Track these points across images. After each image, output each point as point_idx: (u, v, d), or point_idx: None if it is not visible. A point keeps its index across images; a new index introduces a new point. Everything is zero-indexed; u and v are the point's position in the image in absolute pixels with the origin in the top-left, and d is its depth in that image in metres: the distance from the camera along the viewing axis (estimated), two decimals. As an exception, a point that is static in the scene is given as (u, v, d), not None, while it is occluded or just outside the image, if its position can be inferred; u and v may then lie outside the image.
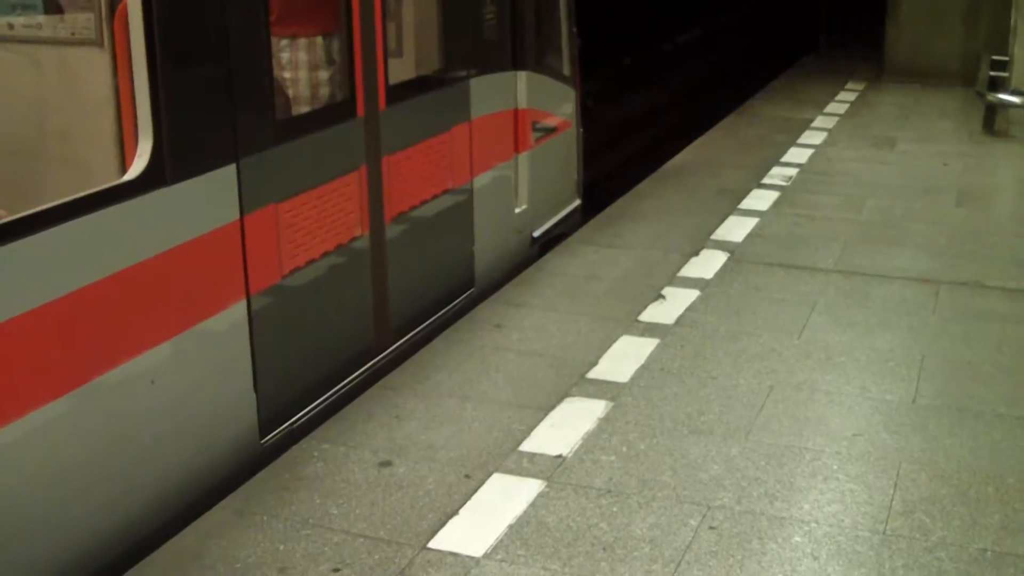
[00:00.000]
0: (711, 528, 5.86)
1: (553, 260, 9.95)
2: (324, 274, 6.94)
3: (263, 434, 6.50)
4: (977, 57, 17.58)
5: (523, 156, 9.67)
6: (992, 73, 16.23)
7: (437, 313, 8.38)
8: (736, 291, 9.21)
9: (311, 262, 6.78)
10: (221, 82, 6.00)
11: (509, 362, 7.81)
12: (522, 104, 9.59)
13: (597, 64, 17.54)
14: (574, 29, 11.02)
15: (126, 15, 5.49)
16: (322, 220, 6.84)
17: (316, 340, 6.97)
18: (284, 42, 7.26)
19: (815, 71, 20.57)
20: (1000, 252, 10.37)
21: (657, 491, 6.20)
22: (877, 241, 10.59)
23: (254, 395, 6.39)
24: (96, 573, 5.41)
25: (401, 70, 7.96)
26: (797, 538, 5.80)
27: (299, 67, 7.33)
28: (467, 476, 6.34)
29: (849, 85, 18.85)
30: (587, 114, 11.82)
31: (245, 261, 6.20)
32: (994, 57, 16.61)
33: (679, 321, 8.54)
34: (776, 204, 11.77)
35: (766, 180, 12.71)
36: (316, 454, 6.57)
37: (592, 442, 6.72)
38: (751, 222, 11.08)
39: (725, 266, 9.79)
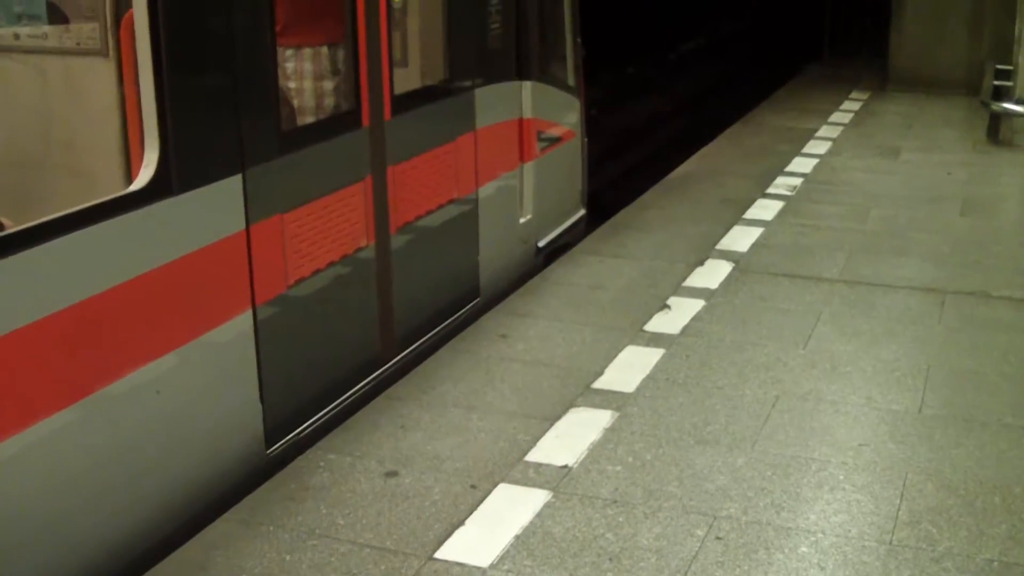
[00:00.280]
0: (717, 538, 5.85)
1: (558, 270, 9.95)
2: (330, 284, 6.94)
3: (269, 444, 6.50)
4: (981, 66, 17.57)
5: (528, 166, 9.67)
6: (996, 82, 16.23)
7: (442, 323, 8.37)
8: (741, 301, 9.21)
9: (317, 272, 6.78)
10: (227, 92, 6.00)
11: (514, 372, 7.81)
12: (527, 114, 9.59)
13: (601, 73, 17.55)
14: (578, 39, 11.02)
15: (132, 25, 5.49)
16: (328, 230, 6.84)
17: (322, 350, 6.96)
18: (289, 52, 7.26)
19: (819, 80, 20.57)
20: (1005, 261, 10.35)
21: (663, 501, 6.19)
22: (882, 251, 10.59)
23: (260, 405, 6.39)
24: (102, 584, 5.42)
25: (406, 80, 7.97)
26: (803, 548, 5.79)
27: (304, 77, 7.34)
28: (473, 486, 6.33)
29: (853, 94, 18.84)
30: (591, 124, 11.82)
31: (251, 271, 6.19)
32: (998, 66, 16.60)
33: (684, 331, 8.53)
34: (781, 214, 11.76)
35: (771, 190, 12.70)
36: (322, 464, 6.56)
37: (598, 452, 6.72)
38: (756, 232, 11.07)
39: (730, 276, 9.78)
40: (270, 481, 6.39)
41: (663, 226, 11.28)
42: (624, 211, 11.88)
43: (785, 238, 10.95)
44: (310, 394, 6.88)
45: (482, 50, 8.90)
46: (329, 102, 7.40)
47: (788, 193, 12.57)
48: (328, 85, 7.38)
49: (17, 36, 6.40)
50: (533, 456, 6.66)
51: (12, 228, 5.00)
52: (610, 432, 6.96)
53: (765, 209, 11.90)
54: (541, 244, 10.15)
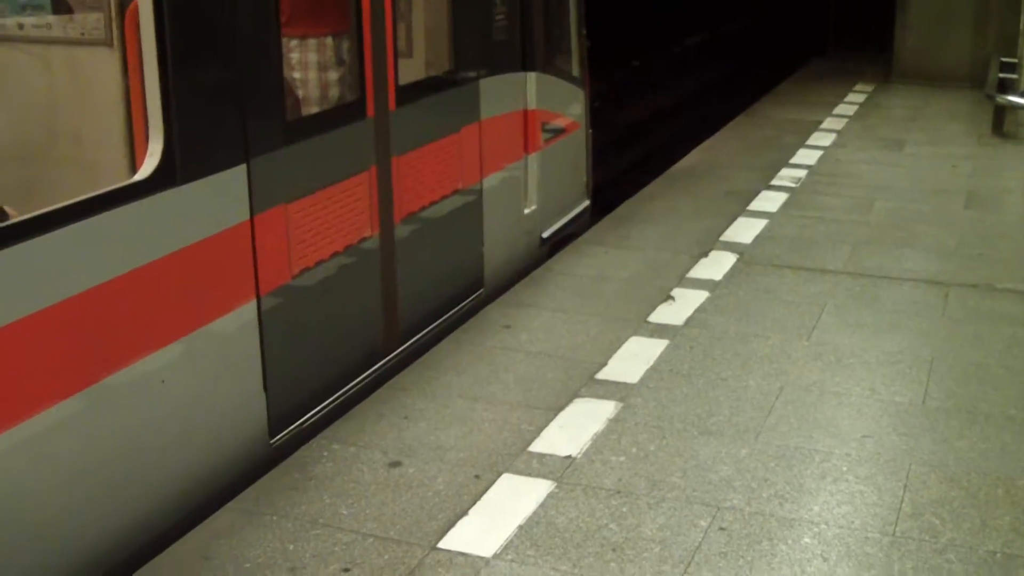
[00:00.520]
0: (721, 529, 5.86)
1: (562, 261, 9.95)
2: (334, 274, 6.94)
3: (273, 434, 6.51)
4: (986, 59, 17.58)
5: (533, 157, 9.67)
6: (1001, 75, 16.23)
7: (446, 314, 8.38)
8: (745, 292, 9.21)
9: (321, 262, 6.79)
10: (231, 82, 6.00)
11: (518, 363, 7.81)
12: (532, 105, 9.59)
13: (606, 65, 17.53)
14: (583, 30, 11.02)
15: (136, 15, 5.49)
16: (332, 221, 6.84)
17: (326, 340, 6.97)
18: (294, 42, 7.26)
19: (824, 73, 20.56)
20: (1009, 254, 10.35)
21: (667, 492, 6.20)
22: (886, 243, 10.58)
23: (264, 395, 6.39)
24: (106, 573, 5.42)
25: (411, 71, 7.97)
26: (807, 539, 5.80)
27: (309, 67, 7.34)
28: (477, 477, 6.34)
29: (858, 87, 18.84)
30: (596, 115, 11.82)
31: (255, 261, 6.20)
32: (1003, 59, 16.61)
33: (688, 322, 8.54)
34: (785, 206, 11.76)
35: (775, 182, 12.71)
36: (326, 454, 6.57)
37: (601, 443, 6.72)
38: (760, 224, 11.07)
39: (734, 268, 9.78)
40: (274, 471, 6.39)
41: (667, 217, 11.28)
42: (628, 202, 11.88)
43: (789, 230, 10.94)
44: (314, 384, 6.88)
45: (487, 41, 8.89)
46: (334, 92, 7.40)
47: (792, 185, 12.57)
48: (333, 75, 7.38)
49: (21, 26, 6.40)
50: (537, 446, 6.67)
51: (17, 217, 5.00)
52: (614, 423, 6.96)
53: (769, 201, 11.90)
54: (545, 235, 10.15)
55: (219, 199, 5.94)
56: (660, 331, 8.35)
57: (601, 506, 6.05)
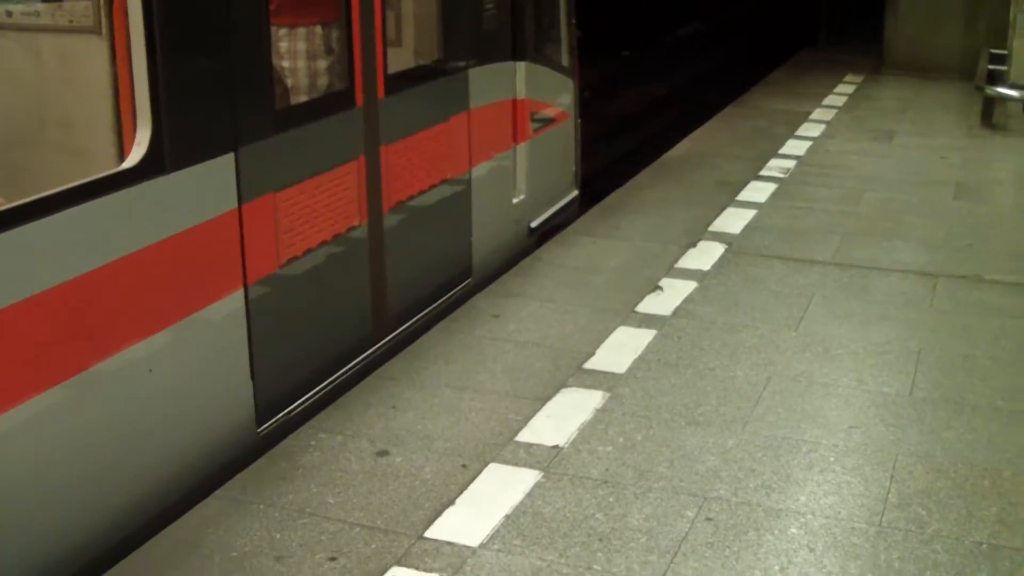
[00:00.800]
0: (707, 519, 5.87)
1: (551, 251, 9.95)
2: (322, 263, 6.94)
3: (260, 423, 6.51)
4: (976, 51, 17.58)
5: (521, 146, 9.67)
6: (991, 67, 16.25)
7: (435, 303, 8.37)
8: (734, 283, 9.21)
9: (309, 251, 6.78)
10: (220, 71, 5.99)
11: (506, 352, 7.81)
12: (521, 94, 9.58)
13: (596, 55, 17.52)
14: (573, 20, 11.01)
15: (125, 3, 5.48)
16: (320, 209, 6.84)
17: (314, 329, 6.97)
18: (283, 31, 7.25)
19: (814, 64, 20.56)
20: (998, 246, 10.37)
21: (653, 482, 6.21)
22: (875, 234, 10.59)
23: (251, 384, 6.39)
24: (93, 561, 5.41)
25: (400, 59, 7.96)
26: (793, 530, 5.81)
27: (298, 56, 7.32)
28: (464, 466, 6.34)
29: (848, 78, 18.84)
30: (585, 105, 11.81)
31: (243, 250, 6.19)
32: (993, 51, 16.63)
33: (676, 312, 8.54)
34: (774, 196, 11.77)
35: (764, 172, 12.71)
36: (313, 443, 6.57)
37: (589, 433, 6.73)
38: (749, 214, 11.08)
39: (723, 258, 9.79)
40: (261, 459, 6.39)
41: (656, 208, 11.29)
42: (617, 192, 11.88)
43: (778, 220, 10.95)
44: (302, 373, 6.88)
45: (476, 30, 8.88)
46: (323, 81, 7.39)
47: (782, 176, 12.58)
48: (322, 64, 7.37)
49: (10, 13, 6.38)
50: (524, 436, 6.67)
51: (5, 205, 4.99)
52: (601, 413, 6.97)
53: (758, 191, 11.90)
54: (534, 225, 10.15)
55: (207, 187, 5.93)
56: (648, 321, 8.35)
57: (588, 496, 6.06)
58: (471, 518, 5.85)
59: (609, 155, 16.46)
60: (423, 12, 8.54)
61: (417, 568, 5.43)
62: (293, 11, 7.26)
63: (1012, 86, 15.46)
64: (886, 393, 7.31)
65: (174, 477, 5.93)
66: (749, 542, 5.69)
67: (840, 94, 17.55)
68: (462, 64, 8.60)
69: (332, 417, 6.87)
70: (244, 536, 5.66)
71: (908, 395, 7.28)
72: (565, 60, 10.85)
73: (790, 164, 13.11)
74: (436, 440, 6.62)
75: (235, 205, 6.10)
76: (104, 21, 5.95)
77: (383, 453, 6.47)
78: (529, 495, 6.06)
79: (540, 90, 10.02)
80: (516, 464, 6.37)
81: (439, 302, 8.43)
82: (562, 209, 10.80)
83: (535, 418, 6.88)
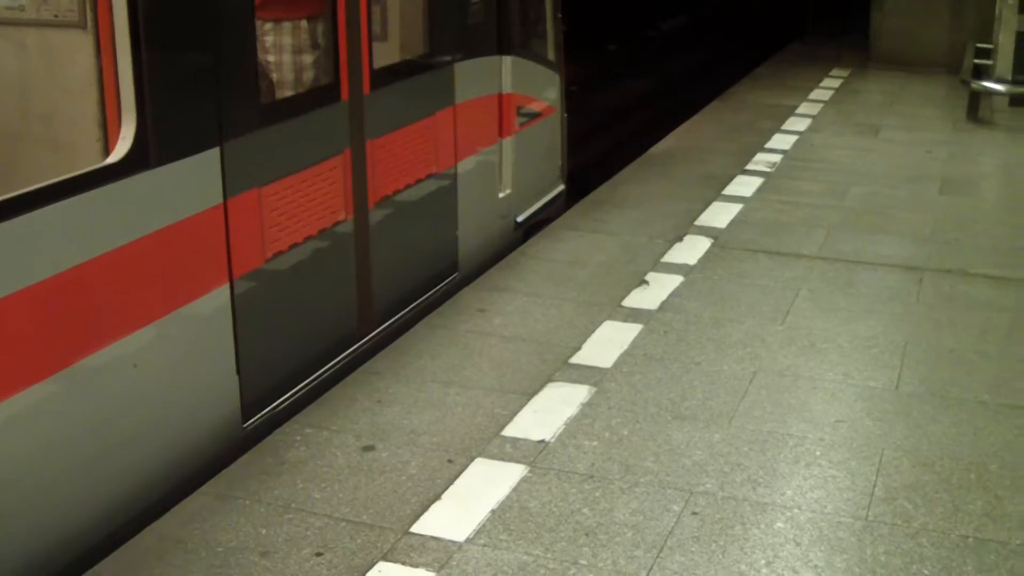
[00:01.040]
0: (694, 514, 5.87)
1: (537, 245, 9.95)
2: (307, 258, 6.93)
3: (246, 418, 6.50)
4: (962, 45, 17.61)
5: (507, 141, 9.66)
6: (977, 61, 16.29)
7: (420, 298, 8.37)
8: (720, 277, 9.22)
9: (294, 246, 6.77)
10: (205, 65, 5.98)
11: (492, 347, 7.81)
12: (507, 89, 9.58)
13: (582, 50, 17.54)
14: (559, 14, 11.01)
15: (110, -3, 5.47)
16: (306, 204, 6.83)
17: (299, 324, 6.96)
18: (269, 25, 7.23)
19: (800, 58, 20.57)
20: (983, 240, 10.38)
21: (640, 476, 6.20)
22: (861, 228, 10.60)
23: (237, 379, 6.38)
24: (78, 558, 5.40)
25: (386, 54, 7.95)
26: (779, 524, 5.81)
27: (283, 50, 7.30)
28: (450, 461, 6.34)
29: (834, 72, 18.86)
30: (572, 100, 11.81)
31: (228, 245, 6.18)
32: (979, 45, 16.66)
33: (663, 307, 8.54)
34: (760, 190, 11.77)
35: (750, 166, 12.72)
36: (299, 438, 6.56)
37: (575, 427, 6.73)
38: (735, 208, 11.08)
39: (709, 252, 9.79)
40: (247, 455, 6.38)
41: (642, 202, 11.29)
42: (603, 187, 11.88)
43: (764, 214, 10.96)
44: (287, 368, 6.87)
45: (462, 24, 8.87)
46: (308, 76, 7.38)
47: (768, 170, 12.59)
48: (307, 58, 7.35)
49: (-6, 8, 6.37)
50: (510, 431, 6.67)
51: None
52: (587, 407, 6.97)
53: (744, 186, 11.91)
54: (520, 219, 10.15)
55: (192, 182, 5.92)
56: (634, 315, 8.35)
57: (574, 491, 6.06)
58: (457, 513, 5.84)
59: (596, 149, 16.46)
60: (409, 7, 8.53)
61: (403, 563, 5.42)
62: (278, 5, 7.24)
63: (998, 80, 15.51)
64: (872, 387, 7.31)
65: (159, 472, 5.91)
66: (735, 536, 5.69)
67: (826, 88, 17.58)
68: (448, 59, 8.59)
69: (318, 412, 6.87)
70: (229, 532, 5.65)
71: (894, 389, 7.29)
72: (551, 54, 10.85)
73: (776, 158, 13.11)
74: (422, 435, 6.61)
75: (220, 200, 6.09)
76: (89, 15, 5.93)
77: (369, 448, 6.46)
78: (515, 490, 6.06)
79: (526, 85, 10.02)
80: (502, 459, 6.37)
81: (425, 297, 8.43)
82: (548, 203, 10.80)
83: (521, 413, 6.88)
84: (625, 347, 7.81)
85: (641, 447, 6.52)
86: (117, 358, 5.50)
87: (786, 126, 14.88)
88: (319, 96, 7.20)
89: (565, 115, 11.22)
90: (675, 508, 5.91)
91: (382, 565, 5.41)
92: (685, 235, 10.21)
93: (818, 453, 6.50)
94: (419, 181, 8.18)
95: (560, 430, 6.68)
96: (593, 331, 8.06)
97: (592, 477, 6.19)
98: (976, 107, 15.62)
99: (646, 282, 9.02)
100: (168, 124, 5.69)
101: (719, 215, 10.84)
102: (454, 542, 5.59)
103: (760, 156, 13.20)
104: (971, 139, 14.70)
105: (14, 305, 4.90)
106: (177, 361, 5.94)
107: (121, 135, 5.50)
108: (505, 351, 7.74)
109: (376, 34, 7.75)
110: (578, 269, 9.33)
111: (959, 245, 10.19)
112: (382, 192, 7.66)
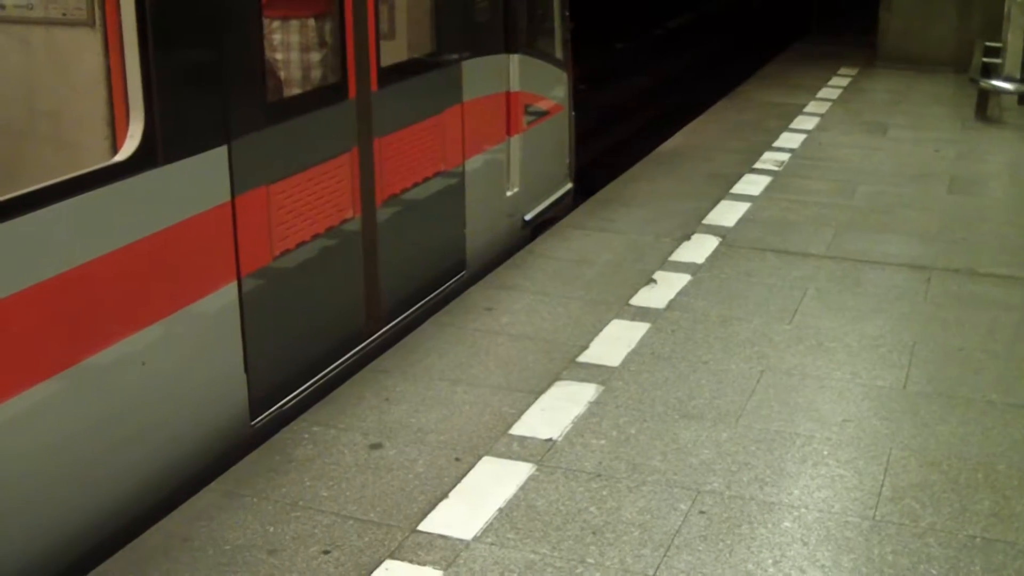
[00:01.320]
0: (701, 513, 5.86)
1: (544, 244, 9.94)
2: (315, 256, 6.93)
3: (253, 416, 6.50)
4: (970, 43, 17.57)
5: (515, 139, 9.66)
6: (985, 60, 16.23)
7: (428, 296, 8.37)
8: (727, 276, 9.21)
9: (302, 244, 6.77)
10: (213, 63, 5.98)
11: (500, 345, 7.80)
12: (514, 87, 9.57)
13: (590, 48, 17.52)
14: (567, 12, 11.00)
15: (118, -5, 5.48)
16: (313, 202, 6.83)
17: (307, 322, 6.96)
18: (276, 23, 7.23)
19: (807, 56, 20.53)
20: (991, 239, 10.37)
21: (647, 475, 6.20)
22: (869, 227, 10.59)
23: (245, 377, 6.38)
24: (85, 555, 5.40)
25: (393, 52, 7.94)
26: (787, 523, 5.80)
27: (291, 48, 7.30)
28: (457, 459, 6.33)
29: (842, 71, 18.82)
30: (579, 97, 11.81)
31: (236, 242, 6.18)
32: (987, 44, 16.61)
33: (670, 305, 8.53)
34: (768, 189, 11.76)
35: (758, 165, 12.70)
36: (306, 436, 6.56)
37: (582, 426, 6.72)
38: (743, 207, 11.07)
39: (716, 251, 9.78)
40: (254, 453, 6.39)
41: (650, 200, 11.28)
42: (611, 185, 11.87)
43: (772, 213, 10.94)
44: (295, 366, 6.87)
45: (470, 22, 8.87)
46: (316, 74, 7.37)
47: (775, 168, 12.57)
48: (315, 56, 7.35)
49: (2, 6, 6.37)
50: (517, 429, 6.66)
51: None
52: (595, 406, 6.97)
53: (752, 184, 11.89)
54: (528, 217, 10.14)
55: (200, 180, 5.92)
56: (642, 314, 8.34)
57: (581, 489, 6.06)
58: (464, 511, 5.84)
59: (602, 146, 16.46)
60: (416, 4, 8.53)
61: (410, 561, 5.43)
62: (286, 3, 7.24)
63: (1006, 79, 15.47)
64: (880, 386, 7.31)
65: (167, 470, 5.92)
66: (742, 535, 5.69)
67: (834, 87, 17.54)
68: (456, 57, 8.59)
69: (325, 410, 6.87)
70: (237, 529, 5.66)
71: (902, 388, 7.28)
72: (559, 52, 10.84)
73: (784, 157, 13.10)
74: (429, 433, 6.61)
75: (228, 198, 6.10)
76: (97, 14, 5.93)
77: (376, 446, 6.46)
78: (522, 488, 6.06)
79: (534, 83, 10.01)
80: (510, 457, 6.37)
81: (432, 295, 8.43)
82: (556, 202, 10.79)
83: (529, 411, 6.88)
84: (633, 346, 7.80)
85: (648, 446, 6.51)
86: (125, 356, 5.50)
87: (794, 125, 14.85)
88: (326, 94, 7.19)
89: (573, 113, 11.21)
90: (682, 507, 5.91)
91: (389, 563, 5.41)
92: (693, 234, 10.20)
93: (825, 452, 6.49)
94: (427, 179, 8.18)
95: (567, 429, 6.68)
96: (601, 330, 8.06)
97: (599, 476, 6.19)
98: (985, 106, 15.58)
99: (654, 281, 9.01)
100: (176, 122, 5.69)
101: (727, 214, 10.83)
102: (461, 540, 5.59)
103: (768, 155, 13.18)
104: (979, 138, 14.67)
105: (22, 302, 4.91)
106: (185, 359, 5.95)
107: (129, 133, 5.50)
108: (513, 349, 7.74)
109: (384, 32, 7.75)
110: (586, 268, 9.33)
111: (967, 244, 10.17)
112: (390, 190, 7.66)
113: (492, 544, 5.57)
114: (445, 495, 5.98)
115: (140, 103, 5.48)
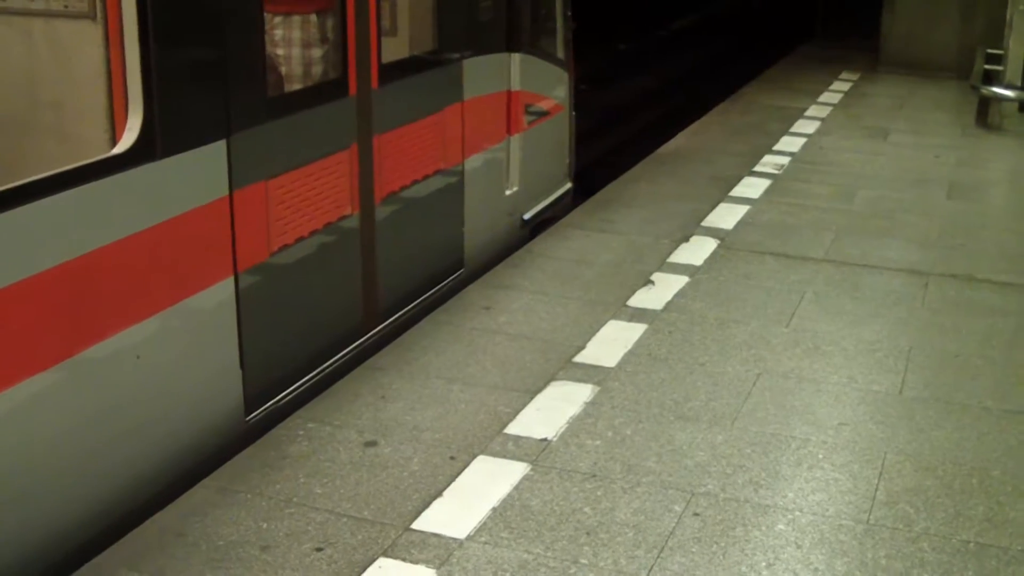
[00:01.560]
0: (695, 514, 5.86)
1: (543, 243, 9.94)
2: (313, 252, 6.92)
3: (248, 411, 6.49)
4: (972, 50, 17.58)
5: (515, 138, 9.66)
6: (987, 67, 16.25)
7: (425, 294, 8.36)
8: (725, 278, 9.21)
9: (300, 240, 6.77)
10: (213, 57, 5.98)
11: (497, 345, 7.80)
12: (515, 86, 9.57)
13: (592, 48, 17.52)
14: (568, 12, 11.00)
15: (119, -12, 5.47)
16: (312, 198, 6.83)
17: (303, 318, 6.95)
18: (278, 19, 7.23)
19: (810, 60, 20.54)
20: (990, 245, 10.37)
21: (642, 476, 6.20)
22: (868, 232, 10.59)
23: (240, 372, 6.38)
24: (78, 549, 5.40)
25: (394, 49, 7.94)
26: (781, 526, 5.80)
27: (292, 44, 7.30)
28: (452, 458, 6.33)
29: (844, 75, 18.83)
30: (581, 98, 11.80)
31: (233, 237, 6.18)
32: (989, 50, 16.63)
33: (668, 307, 8.53)
34: (768, 192, 11.76)
35: (758, 168, 12.70)
36: (301, 433, 6.56)
37: (578, 426, 6.72)
38: (742, 210, 11.07)
39: (715, 253, 9.78)
40: (249, 448, 6.38)
41: (649, 202, 11.27)
42: (611, 186, 11.87)
43: (771, 216, 10.94)
44: (291, 362, 6.87)
45: (471, 21, 8.86)
46: (316, 70, 7.37)
47: (775, 172, 12.57)
48: (316, 53, 7.35)
49: (5, -2, 6.37)
50: (513, 429, 6.66)
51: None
52: (590, 406, 6.96)
53: (752, 187, 11.89)
54: (527, 217, 10.14)
55: (198, 174, 5.92)
56: (639, 315, 8.34)
57: (576, 490, 6.05)
58: (458, 510, 5.84)
59: (604, 148, 16.46)
60: (418, 2, 8.52)
61: (404, 559, 5.42)
62: (288, -1, 7.25)
63: (1008, 86, 15.48)
64: (876, 391, 7.30)
65: (161, 465, 5.91)
66: (736, 538, 5.68)
67: (835, 91, 17.55)
68: (457, 55, 8.59)
69: (321, 407, 6.86)
70: (230, 525, 5.65)
71: (898, 393, 7.28)
72: (560, 52, 10.84)
73: (784, 160, 13.10)
74: (425, 431, 6.61)
75: (226, 192, 6.09)
76: (98, 6, 5.93)
77: (371, 444, 6.46)
78: (517, 488, 6.06)
79: (535, 82, 10.01)
80: (504, 457, 6.36)
81: (430, 293, 8.42)
82: (555, 202, 10.79)
83: (524, 411, 6.87)
84: (629, 347, 7.80)
85: (644, 447, 6.51)
86: (120, 349, 5.50)
87: (795, 128, 14.86)
88: (327, 90, 7.19)
89: (573, 113, 11.21)
90: (677, 509, 5.90)
91: (383, 561, 5.40)
92: (692, 236, 10.20)
93: (820, 456, 6.49)
94: (426, 177, 8.18)
95: (563, 429, 6.67)
96: (598, 330, 8.06)
97: (594, 476, 6.19)
98: (985, 112, 15.59)
99: (652, 282, 9.01)
100: (175, 115, 5.69)
101: (726, 216, 10.83)
102: (455, 539, 5.58)
103: (768, 158, 13.18)
104: (980, 144, 14.68)
105: (18, 294, 4.90)
106: (180, 353, 5.94)
107: (128, 125, 5.50)
108: (510, 349, 7.73)
109: (385, 29, 7.75)
110: (584, 268, 9.32)
111: (966, 250, 10.17)
112: (389, 187, 7.66)
113: (486, 543, 5.56)
114: (439, 493, 5.98)
115: (139, 96, 5.48)
